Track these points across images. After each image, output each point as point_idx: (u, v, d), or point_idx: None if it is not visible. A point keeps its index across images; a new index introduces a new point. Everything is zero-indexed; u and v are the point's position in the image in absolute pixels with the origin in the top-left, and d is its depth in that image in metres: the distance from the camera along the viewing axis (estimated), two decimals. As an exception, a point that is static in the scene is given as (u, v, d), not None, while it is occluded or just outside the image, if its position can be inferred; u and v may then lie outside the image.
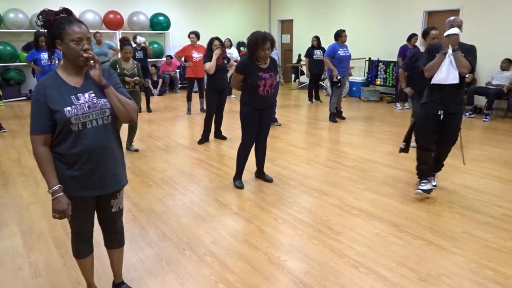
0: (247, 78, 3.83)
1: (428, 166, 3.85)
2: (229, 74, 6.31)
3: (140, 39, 8.06)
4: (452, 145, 3.79)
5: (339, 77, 7.18)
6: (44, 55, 6.56)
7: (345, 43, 7.36)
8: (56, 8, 1.95)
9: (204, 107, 6.74)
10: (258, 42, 3.69)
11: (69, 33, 1.82)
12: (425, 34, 4.98)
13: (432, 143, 3.80)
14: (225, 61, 5.87)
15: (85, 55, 1.85)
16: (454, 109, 3.60)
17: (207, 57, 5.67)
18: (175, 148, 5.66)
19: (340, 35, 7.26)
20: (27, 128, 6.67)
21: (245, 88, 3.91)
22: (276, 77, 3.94)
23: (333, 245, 3.00)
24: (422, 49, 5.17)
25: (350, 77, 10.45)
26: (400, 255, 2.86)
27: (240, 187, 4.15)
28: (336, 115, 7.63)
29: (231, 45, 10.43)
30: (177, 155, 5.35)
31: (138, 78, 5.19)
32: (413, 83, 5.13)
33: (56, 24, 1.85)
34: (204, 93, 6.43)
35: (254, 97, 3.87)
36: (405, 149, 4.19)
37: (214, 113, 5.93)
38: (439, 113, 3.60)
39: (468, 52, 3.49)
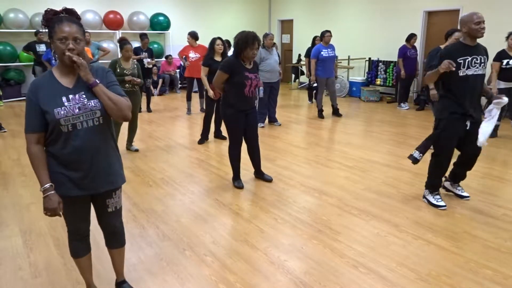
0: (233, 77, 3.84)
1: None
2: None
3: (147, 64, 8.24)
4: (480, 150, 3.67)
5: (314, 84, 7.55)
6: None
7: (331, 44, 7.55)
8: (56, 8, 1.95)
9: (204, 107, 6.73)
10: (248, 41, 3.73)
11: (56, 31, 1.83)
12: (450, 34, 5.02)
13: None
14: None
15: (67, 53, 1.83)
16: (479, 117, 3.52)
17: (208, 57, 5.67)
18: (175, 148, 5.66)
19: (324, 36, 7.46)
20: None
21: (229, 88, 3.91)
22: (259, 77, 4.00)
23: (333, 245, 3.00)
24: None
25: (350, 77, 10.53)
26: (400, 255, 2.86)
27: (240, 187, 4.15)
28: (333, 113, 7.88)
29: (229, 46, 10.40)
30: (177, 155, 5.35)
31: (138, 79, 5.18)
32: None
33: (51, 23, 1.87)
34: (204, 93, 6.43)
35: (239, 97, 3.89)
36: (419, 161, 3.86)
37: (213, 113, 5.93)
38: (467, 123, 3.49)
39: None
